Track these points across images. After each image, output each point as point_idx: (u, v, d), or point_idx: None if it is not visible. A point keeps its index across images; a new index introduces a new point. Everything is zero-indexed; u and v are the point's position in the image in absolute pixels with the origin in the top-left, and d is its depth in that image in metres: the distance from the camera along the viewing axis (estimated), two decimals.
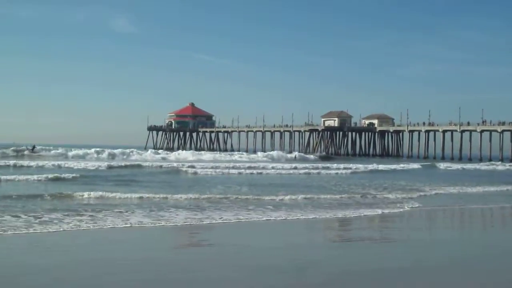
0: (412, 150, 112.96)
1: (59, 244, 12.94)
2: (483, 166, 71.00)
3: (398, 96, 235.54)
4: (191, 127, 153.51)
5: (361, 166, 57.68)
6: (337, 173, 48.76)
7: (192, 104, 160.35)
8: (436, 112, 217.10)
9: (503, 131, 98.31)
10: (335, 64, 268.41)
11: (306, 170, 49.88)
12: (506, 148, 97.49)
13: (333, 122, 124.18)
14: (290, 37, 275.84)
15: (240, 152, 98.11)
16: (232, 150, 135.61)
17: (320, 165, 58.96)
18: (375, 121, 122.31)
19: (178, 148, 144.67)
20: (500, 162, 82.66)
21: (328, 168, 54.65)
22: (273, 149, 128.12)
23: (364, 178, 42.34)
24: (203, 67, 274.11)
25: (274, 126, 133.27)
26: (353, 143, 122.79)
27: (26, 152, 67.83)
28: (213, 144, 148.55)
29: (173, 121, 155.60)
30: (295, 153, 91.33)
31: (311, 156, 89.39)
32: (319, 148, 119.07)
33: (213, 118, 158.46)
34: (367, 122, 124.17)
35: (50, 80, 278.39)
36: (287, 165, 56.13)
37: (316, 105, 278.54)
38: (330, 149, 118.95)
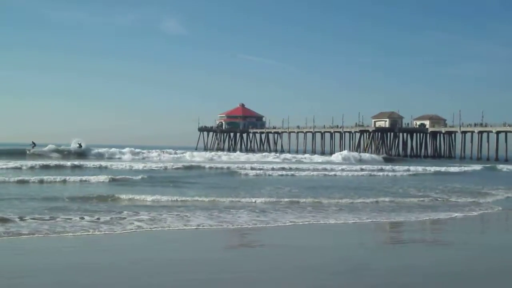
0: (464, 151, 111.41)
1: (120, 244, 13.46)
2: None
3: (450, 97, 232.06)
4: (241, 128, 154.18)
5: (420, 168, 57.81)
6: (413, 174, 50.36)
7: (242, 105, 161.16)
8: (490, 113, 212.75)
9: None
10: (383, 63, 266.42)
11: (370, 172, 50.34)
12: None
13: (384, 123, 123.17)
14: (336, 41, 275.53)
15: (309, 154, 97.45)
16: (282, 151, 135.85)
17: (389, 166, 59.86)
18: (427, 122, 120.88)
19: (229, 149, 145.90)
20: None
21: (394, 170, 54.56)
22: (323, 150, 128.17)
23: (431, 180, 42.41)
24: (253, 69, 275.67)
25: (324, 127, 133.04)
26: (404, 144, 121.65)
27: (76, 150, 66.10)
28: (263, 145, 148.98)
29: (223, 122, 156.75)
30: (361, 154, 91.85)
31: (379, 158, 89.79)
32: (370, 149, 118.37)
33: (263, 119, 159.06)
34: (418, 123, 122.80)
35: (102, 78, 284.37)
36: (347, 167, 56.56)
37: (366, 106, 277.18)
38: (381, 150, 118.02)
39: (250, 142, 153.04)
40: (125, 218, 17.02)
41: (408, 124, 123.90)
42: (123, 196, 22.92)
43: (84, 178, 32.17)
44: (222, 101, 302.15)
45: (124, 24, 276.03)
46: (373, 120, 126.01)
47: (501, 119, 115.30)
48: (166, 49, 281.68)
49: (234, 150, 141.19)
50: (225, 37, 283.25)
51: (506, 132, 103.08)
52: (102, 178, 32.28)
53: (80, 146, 69.11)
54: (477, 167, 67.99)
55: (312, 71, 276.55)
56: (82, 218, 16.67)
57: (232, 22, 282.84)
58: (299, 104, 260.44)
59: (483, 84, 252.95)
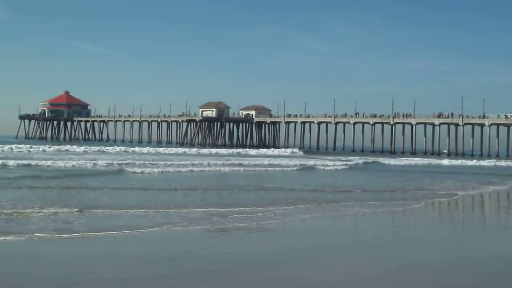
0: (288, 141, 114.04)
1: None
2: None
3: (276, 88, 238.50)
4: (65, 116, 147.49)
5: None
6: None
7: (67, 93, 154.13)
8: (312, 104, 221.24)
9: (375, 123, 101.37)
10: (212, 53, 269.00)
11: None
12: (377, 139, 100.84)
13: (211, 113, 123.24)
14: (167, 27, 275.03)
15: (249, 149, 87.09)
16: (108, 140, 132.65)
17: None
18: (253, 112, 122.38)
19: (52, 138, 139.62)
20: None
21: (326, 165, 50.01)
22: (149, 140, 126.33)
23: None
24: (78, 55, 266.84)
25: (150, 116, 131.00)
26: (231, 133, 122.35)
27: None
28: (88, 134, 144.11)
29: (46, 110, 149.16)
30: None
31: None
32: (197, 138, 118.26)
33: (89, 107, 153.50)
34: (244, 113, 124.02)
35: None
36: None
37: (194, 96, 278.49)
38: (208, 139, 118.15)
39: (75, 130, 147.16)
40: None
41: (235, 113, 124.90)
42: None
43: None
44: (46, 89, 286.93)
45: None
46: (201, 109, 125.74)
47: (322, 110, 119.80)
48: None
49: (58, 139, 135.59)
50: (47, 21, 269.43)
51: (326, 122, 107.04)
52: None
53: None
54: (353, 162, 59.61)
55: (141, 60, 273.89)
56: None
57: (57, 5, 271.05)
58: (126, 92, 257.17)
59: (306, 77, 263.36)
